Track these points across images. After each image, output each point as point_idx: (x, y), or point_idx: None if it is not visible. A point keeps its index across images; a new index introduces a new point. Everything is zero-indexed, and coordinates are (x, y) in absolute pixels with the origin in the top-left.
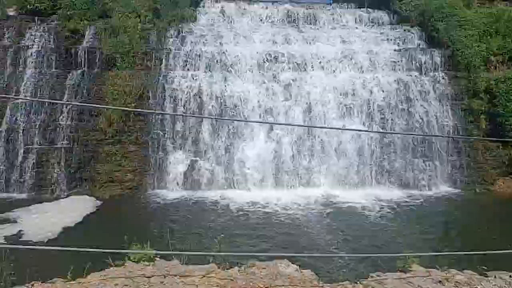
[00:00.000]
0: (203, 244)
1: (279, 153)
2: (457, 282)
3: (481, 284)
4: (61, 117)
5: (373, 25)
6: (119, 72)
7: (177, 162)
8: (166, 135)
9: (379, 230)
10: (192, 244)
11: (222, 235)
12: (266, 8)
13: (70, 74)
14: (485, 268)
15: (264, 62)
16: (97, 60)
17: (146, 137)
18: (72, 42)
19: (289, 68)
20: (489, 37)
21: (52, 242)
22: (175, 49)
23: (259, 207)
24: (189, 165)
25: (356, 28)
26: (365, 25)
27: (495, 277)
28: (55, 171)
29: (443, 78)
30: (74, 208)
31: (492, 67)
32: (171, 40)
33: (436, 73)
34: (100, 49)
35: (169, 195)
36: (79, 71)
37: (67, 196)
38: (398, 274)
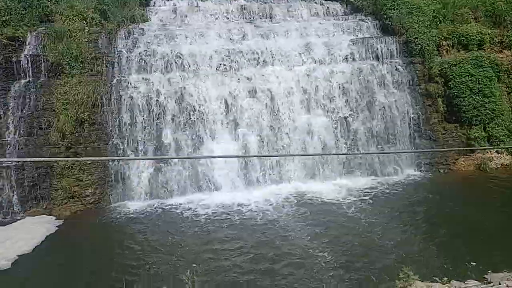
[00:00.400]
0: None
1: (246, 152)
2: None
3: None
4: (7, 132)
5: (328, 17)
6: (68, 79)
7: (140, 171)
8: (125, 143)
9: (354, 222)
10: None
11: (194, 265)
12: (220, 4)
13: (13, 85)
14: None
15: (222, 59)
16: (42, 68)
17: (104, 146)
18: (12, 50)
19: (248, 64)
20: (439, 22)
21: (2, 275)
22: (127, 52)
23: (230, 212)
24: (153, 173)
25: (312, 20)
26: (320, 17)
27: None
28: (6, 193)
29: (399, 65)
30: (31, 231)
31: (444, 51)
32: (122, 42)
33: (393, 61)
34: (45, 56)
35: (134, 206)
36: (23, 82)
37: (23, 217)
38: None
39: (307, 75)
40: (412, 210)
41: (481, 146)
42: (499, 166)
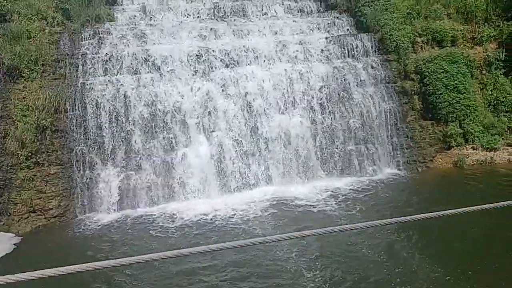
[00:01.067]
0: None
1: (222, 156)
2: None
3: None
4: None
5: (302, 15)
6: (27, 84)
7: (109, 180)
8: (91, 151)
9: (330, 221)
10: None
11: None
12: (192, 2)
13: None
14: None
15: (195, 60)
16: None
17: (68, 155)
18: None
19: (222, 64)
20: (412, 19)
21: None
22: (92, 53)
23: (207, 220)
24: (122, 181)
25: (286, 18)
26: (294, 15)
27: None
28: None
29: (375, 62)
30: None
31: (419, 48)
32: (86, 43)
33: (369, 58)
34: (0, 59)
35: (103, 219)
36: None
37: None
38: None
39: (283, 74)
40: (387, 209)
41: (457, 143)
42: (475, 162)
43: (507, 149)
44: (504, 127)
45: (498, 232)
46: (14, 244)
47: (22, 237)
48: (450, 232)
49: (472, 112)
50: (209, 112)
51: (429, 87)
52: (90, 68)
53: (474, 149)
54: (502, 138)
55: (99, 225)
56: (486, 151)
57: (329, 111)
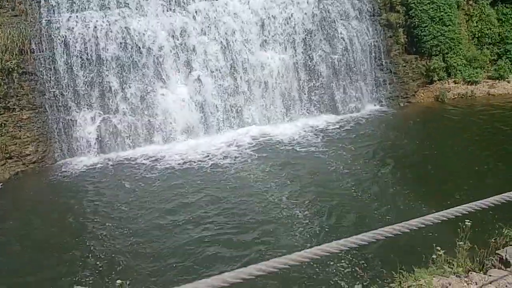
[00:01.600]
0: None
1: (203, 96)
2: None
3: None
4: None
5: None
6: None
7: (85, 123)
8: (65, 94)
9: (319, 162)
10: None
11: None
12: None
13: None
14: None
15: None
16: None
17: (40, 99)
18: None
19: None
20: None
21: None
22: None
23: (190, 162)
24: (100, 124)
25: None
26: None
27: None
28: None
29: None
30: None
31: None
32: None
33: None
34: None
35: (82, 163)
36: None
37: None
38: None
39: (264, 8)
40: (370, 146)
41: (439, 77)
42: (456, 96)
43: (487, 82)
44: (486, 60)
45: None
46: None
47: (1, 184)
48: None
49: (456, 45)
50: (187, 49)
51: (414, 20)
52: (53, 4)
53: (455, 83)
54: (484, 71)
55: (80, 170)
56: (467, 85)
57: (311, 46)
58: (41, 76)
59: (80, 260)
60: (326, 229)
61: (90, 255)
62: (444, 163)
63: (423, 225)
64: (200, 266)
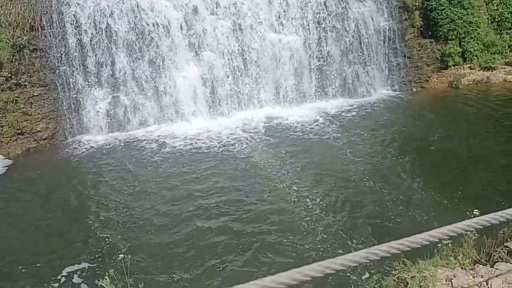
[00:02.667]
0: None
1: (212, 76)
2: None
3: None
4: None
5: None
6: None
7: (96, 101)
8: (75, 71)
9: (329, 146)
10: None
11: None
12: None
13: None
14: None
15: None
16: None
17: (51, 76)
18: None
19: None
20: None
21: None
22: None
23: (199, 145)
24: (110, 103)
25: None
26: None
27: None
28: None
29: None
30: None
31: None
32: None
33: None
34: None
35: (92, 141)
36: None
37: None
38: None
39: None
40: (384, 132)
41: (455, 62)
42: (470, 82)
43: (504, 68)
44: (504, 45)
45: None
46: (6, 166)
47: (12, 160)
48: None
49: (474, 29)
50: (197, 29)
51: (431, 2)
52: None
53: (471, 69)
54: (502, 57)
55: (89, 147)
56: (483, 71)
57: (324, 28)
58: (51, 53)
59: (82, 238)
60: (339, 223)
61: (92, 234)
62: (458, 150)
63: (446, 236)
64: (204, 254)
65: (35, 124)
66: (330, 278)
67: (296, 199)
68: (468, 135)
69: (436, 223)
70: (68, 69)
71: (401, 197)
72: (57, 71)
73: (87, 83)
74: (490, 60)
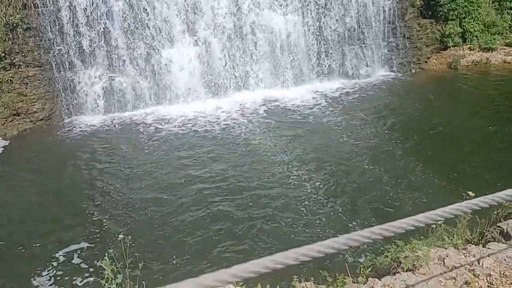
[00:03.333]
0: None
1: (210, 57)
2: None
3: None
4: None
5: None
6: None
7: (92, 82)
8: (70, 51)
9: (326, 127)
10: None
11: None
12: None
13: None
14: None
15: None
16: None
17: (46, 56)
18: None
19: None
20: None
21: None
22: None
23: (196, 127)
24: (107, 84)
25: None
26: None
27: None
28: None
29: None
30: None
31: None
32: None
33: None
34: None
35: (90, 122)
36: None
37: None
38: None
39: None
40: (384, 115)
41: (454, 43)
42: (470, 64)
43: (504, 49)
44: (505, 26)
45: None
46: (2, 147)
47: (9, 141)
48: None
49: (475, 9)
50: (194, 8)
51: None
52: None
53: (470, 50)
54: (502, 38)
55: (86, 128)
56: (483, 52)
57: (323, 8)
58: (45, 32)
59: (79, 221)
60: (339, 206)
61: (89, 217)
62: (457, 132)
63: (443, 218)
64: (202, 238)
65: (31, 104)
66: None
67: (296, 183)
68: (467, 117)
69: (435, 205)
70: (62, 48)
71: (400, 180)
72: (51, 51)
73: (82, 63)
74: (490, 41)
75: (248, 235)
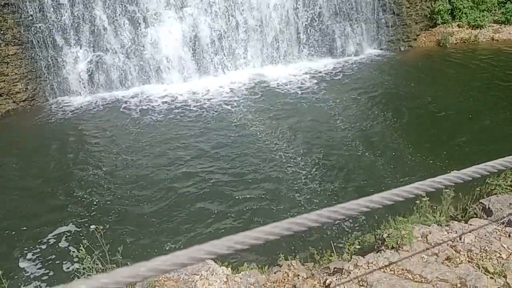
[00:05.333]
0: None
1: (197, 35)
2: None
3: None
4: None
5: None
6: None
7: (76, 61)
8: (52, 29)
9: (314, 105)
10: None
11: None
12: None
13: None
14: None
15: None
16: None
17: (26, 33)
18: None
19: None
20: None
21: None
22: None
23: (183, 106)
24: (91, 63)
25: None
26: None
27: None
28: None
29: None
30: None
31: None
32: None
33: None
34: None
35: (73, 103)
36: None
37: None
38: None
39: None
40: (373, 93)
41: (443, 20)
42: (458, 41)
43: (492, 26)
44: (494, 2)
45: None
46: None
47: None
48: None
49: None
50: None
51: None
52: None
53: (459, 27)
54: (490, 15)
55: (71, 110)
56: (472, 29)
57: None
58: (25, 8)
59: (63, 203)
60: (329, 187)
61: (73, 200)
62: (446, 110)
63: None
64: (191, 220)
65: (13, 85)
66: (314, 239)
67: (285, 164)
68: (456, 95)
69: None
70: (43, 26)
71: (389, 160)
72: (32, 28)
73: (65, 41)
74: (479, 17)
75: (238, 215)
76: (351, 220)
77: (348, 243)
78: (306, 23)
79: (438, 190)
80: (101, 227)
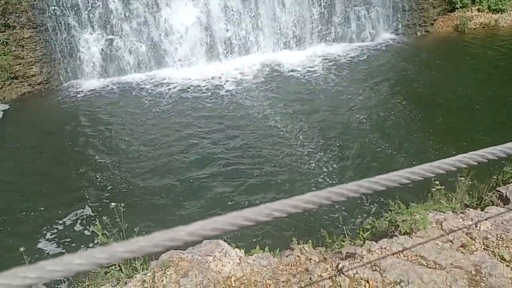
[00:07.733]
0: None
1: (210, 20)
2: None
3: None
4: None
5: None
6: None
7: (89, 45)
8: (67, 12)
9: (330, 92)
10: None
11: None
12: None
13: None
14: None
15: None
16: None
17: (41, 17)
18: None
19: None
20: None
21: None
22: None
23: (195, 91)
24: (104, 46)
25: None
26: None
27: None
28: None
29: None
30: None
31: None
32: None
33: None
34: None
35: (89, 86)
36: None
37: None
38: None
39: None
40: (387, 80)
41: (463, 4)
42: (478, 26)
43: None
44: None
45: None
46: (2, 111)
47: (9, 104)
48: None
49: None
50: None
51: None
52: None
53: (479, 11)
54: None
55: (84, 93)
56: (492, 13)
57: None
58: None
59: (79, 185)
60: (339, 172)
61: (88, 181)
62: (462, 98)
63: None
64: (199, 197)
65: (28, 68)
66: (325, 216)
67: (296, 148)
68: (472, 83)
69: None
70: (58, 9)
71: (407, 153)
72: (46, 12)
73: (79, 25)
74: (500, 1)
75: (247, 193)
76: (363, 207)
77: (361, 229)
78: (320, 7)
79: (455, 177)
80: (122, 204)
